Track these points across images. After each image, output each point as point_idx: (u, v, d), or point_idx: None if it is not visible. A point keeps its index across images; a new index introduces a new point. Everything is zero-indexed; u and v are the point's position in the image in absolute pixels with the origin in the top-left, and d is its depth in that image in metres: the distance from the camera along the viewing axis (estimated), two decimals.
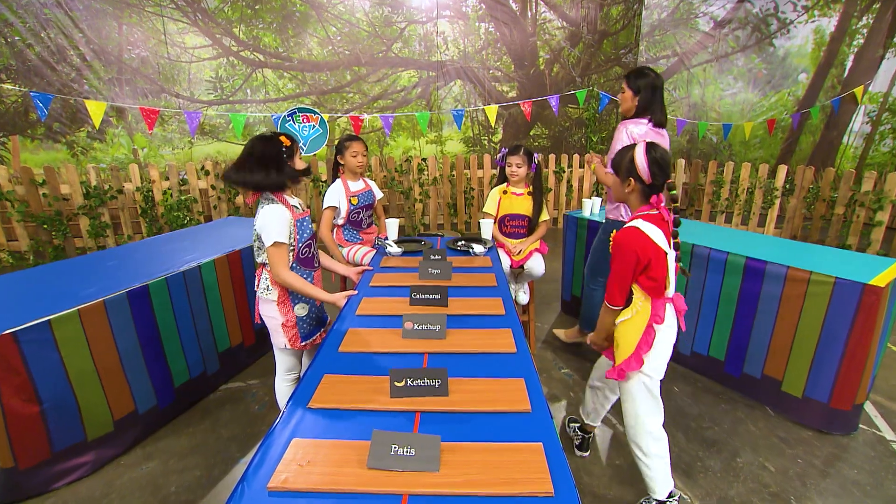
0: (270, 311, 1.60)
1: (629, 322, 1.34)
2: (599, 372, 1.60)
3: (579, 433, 1.74)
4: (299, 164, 1.56)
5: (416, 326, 1.34)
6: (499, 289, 1.69)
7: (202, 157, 5.25)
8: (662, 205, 1.31)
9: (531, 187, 2.41)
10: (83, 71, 4.72)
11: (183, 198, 4.36)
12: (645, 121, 1.94)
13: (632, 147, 1.33)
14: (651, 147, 1.30)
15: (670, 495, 1.38)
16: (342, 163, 2.36)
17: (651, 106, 1.93)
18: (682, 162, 4.95)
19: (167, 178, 4.40)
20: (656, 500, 1.38)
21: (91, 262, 2.01)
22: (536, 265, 2.35)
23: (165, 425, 1.92)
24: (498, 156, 2.45)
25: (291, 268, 1.58)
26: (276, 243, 1.49)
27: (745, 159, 6.01)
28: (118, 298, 1.69)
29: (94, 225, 4.13)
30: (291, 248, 1.55)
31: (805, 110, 5.62)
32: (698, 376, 2.29)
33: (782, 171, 4.47)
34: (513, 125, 6.13)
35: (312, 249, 1.66)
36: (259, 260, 1.59)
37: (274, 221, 1.49)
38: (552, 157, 5.22)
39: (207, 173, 4.43)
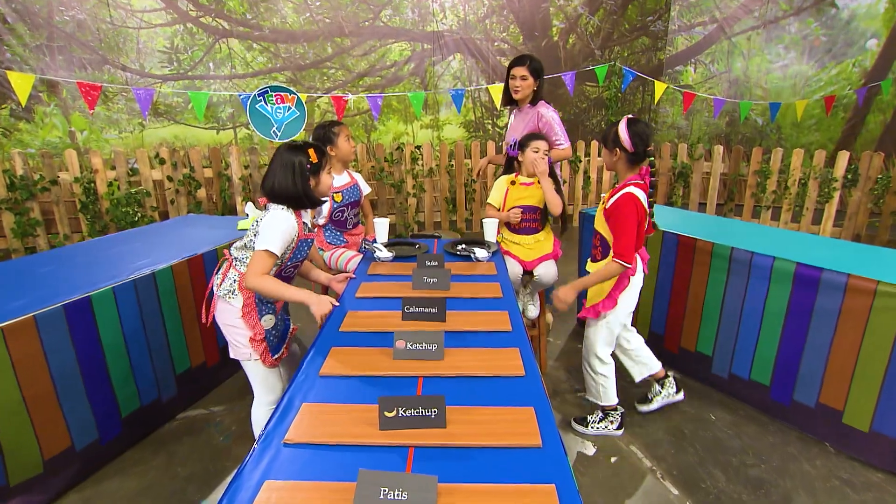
0: (230, 318, 1.63)
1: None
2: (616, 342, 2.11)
3: (655, 387, 2.24)
4: (326, 182, 1.66)
5: (409, 346, 1.34)
6: (505, 301, 1.70)
7: (156, 143, 5.25)
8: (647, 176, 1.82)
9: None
10: (3, 35, 4.65)
11: (133, 191, 4.35)
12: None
13: (617, 122, 1.85)
14: (632, 121, 1.82)
15: (614, 409, 2.04)
16: (332, 153, 2.39)
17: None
18: (719, 149, 4.96)
19: (113, 168, 4.39)
20: (601, 406, 2.04)
21: (18, 269, 1.99)
22: (546, 272, 2.37)
23: (109, 463, 1.91)
24: (511, 143, 2.47)
25: (326, 227, 2.07)
26: (267, 251, 1.54)
27: (796, 144, 5.96)
28: (52, 313, 1.67)
29: (20, 222, 4.09)
30: (278, 264, 1.62)
31: (874, 84, 5.46)
32: (739, 403, 2.30)
33: (843, 157, 4.43)
34: None
35: (295, 272, 1.77)
36: (235, 254, 1.64)
37: (278, 230, 1.56)
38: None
39: (163, 162, 4.42)
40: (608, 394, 2.04)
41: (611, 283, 1.89)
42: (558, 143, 2.53)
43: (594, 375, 2.02)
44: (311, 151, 1.60)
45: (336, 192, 2.39)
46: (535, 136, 2.36)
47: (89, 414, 1.81)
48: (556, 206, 2.31)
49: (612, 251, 1.85)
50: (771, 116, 5.37)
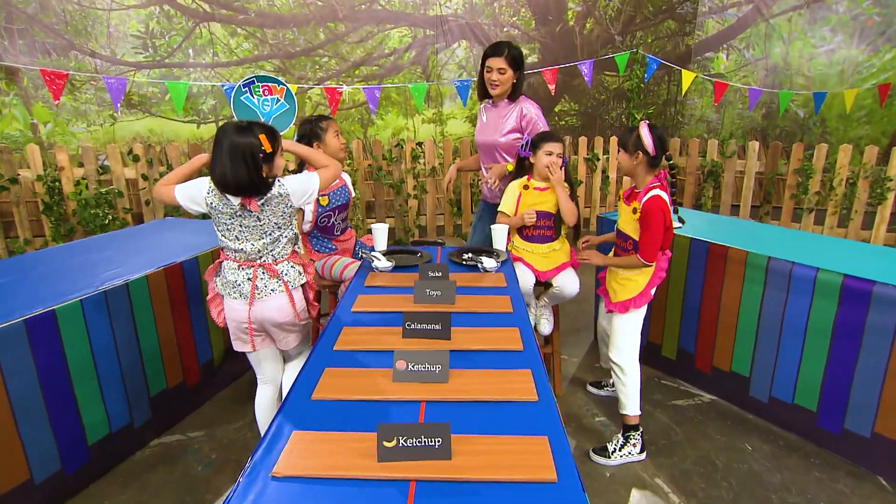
0: (299, 297, 1.86)
1: (640, 273, 2.07)
2: (606, 324, 2.36)
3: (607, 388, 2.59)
4: (279, 165, 1.75)
5: (410, 366, 1.34)
6: (515, 316, 1.70)
7: (129, 137, 5.29)
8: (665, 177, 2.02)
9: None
10: None
11: (103, 191, 4.38)
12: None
13: (636, 127, 2.01)
14: (653, 126, 2.00)
15: (636, 427, 2.12)
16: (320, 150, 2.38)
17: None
18: (754, 145, 4.95)
19: (80, 165, 4.42)
20: (627, 413, 2.12)
21: None
22: (569, 283, 2.37)
23: (73, 497, 1.90)
24: (521, 143, 2.48)
25: (311, 234, 2.36)
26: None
27: (843, 139, 5.81)
28: (11, 329, 1.67)
29: None
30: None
31: None
32: (780, 431, 2.28)
33: None
34: (533, 99, 6.15)
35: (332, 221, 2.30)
36: (287, 239, 1.82)
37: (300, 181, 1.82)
38: (583, 140, 5.27)
39: (137, 159, 4.46)
40: (631, 399, 2.10)
41: (645, 277, 2.06)
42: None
43: (624, 378, 2.10)
44: (262, 138, 1.64)
45: (322, 195, 2.38)
46: (548, 136, 2.37)
47: (51, 442, 1.81)
48: (571, 216, 2.35)
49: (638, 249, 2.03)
50: (815, 108, 5.31)
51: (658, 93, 6.48)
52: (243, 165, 1.62)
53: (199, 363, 2.43)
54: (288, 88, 4.29)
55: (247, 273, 1.78)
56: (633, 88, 5.98)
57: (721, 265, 2.39)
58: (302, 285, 1.87)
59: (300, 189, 1.79)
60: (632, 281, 2.08)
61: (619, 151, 2.10)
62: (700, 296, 2.50)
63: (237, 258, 1.78)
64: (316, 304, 1.98)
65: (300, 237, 2.43)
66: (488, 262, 2.12)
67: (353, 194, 2.54)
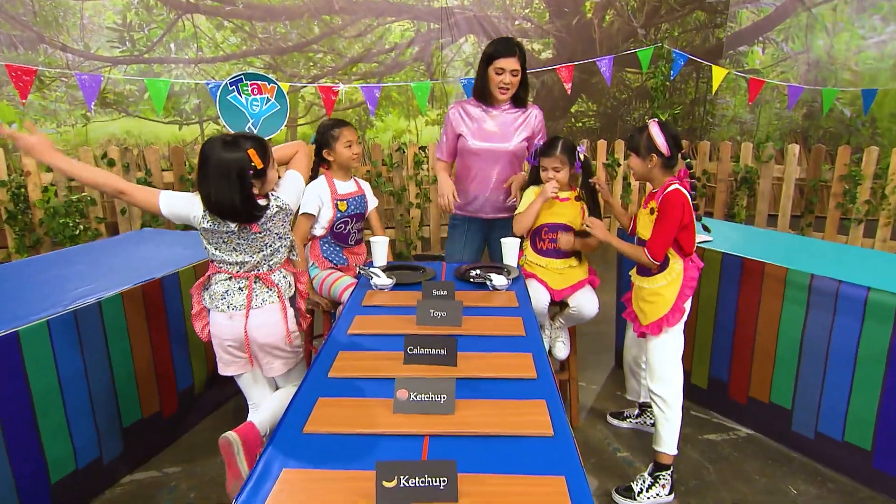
0: (292, 313, 1.90)
1: (667, 286, 2.05)
2: (636, 351, 2.39)
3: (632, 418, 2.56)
4: (272, 178, 1.79)
5: (412, 396, 1.34)
6: (528, 340, 1.69)
7: (103, 139, 5.36)
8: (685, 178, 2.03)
9: (579, 189, 2.46)
10: None
11: (74, 198, 4.42)
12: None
13: (644, 127, 2.04)
14: (663, 123, 2.02)
15: (667, 466, 2.09)
16: (329, 158, 2.47)
17: None
18: (794, 148, 4.94)
19: (49, 169, 4.47)
20: (663, 452, 2.08)
21: None
22: (587, 303, 2.37)
23: None
24: (530, 152, 2.50)
25: (323, 241, 2.46)
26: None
27: None
28: None
29: None
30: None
31: None
32: (829, 472, 2.25)
33: None
34: (547, 99, 6.24)
35: (348, 229, 2.49)
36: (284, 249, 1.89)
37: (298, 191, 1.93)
38: (602, 143, 5.30)
39: (112, 163, 4.51)
40: (671, 435, 2.06)
41: (673, 290, 2.05)
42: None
43: (666, 411, 2.07)
44: (252, 153, 1.67)
45: (341, 200, 2.45)
46: (545, 147, 2.38)
47: (9, 481, 1.79)
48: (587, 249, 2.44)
49: (647, 247, 2.02)
50: (864, 107, 5.29)
51: (685, 91, 6.52)
52: (232, 187, 1.65)
53: (179, 390, 2.43)
54: (279, 87, 4.34)
55: (240, 284, 1.81)
56: (658, 87, 6.01)
57: (757, 283, 2.38)
58: (292, 297, 1.90)
59: (295, 195, 1.87)
60: (658, 296, 2.06)
61: (629, 156, 2.11)
62: (734, 317, 2.49)
63: (231, 270, 1.81)
64: (308, 315, 2.00)
65: (300, 243, 2.46)
66: (498, 280, 2.11)
67: (373, 204, 2.61)
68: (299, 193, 1.91)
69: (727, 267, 2.49)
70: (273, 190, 1.82)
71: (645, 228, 2.08)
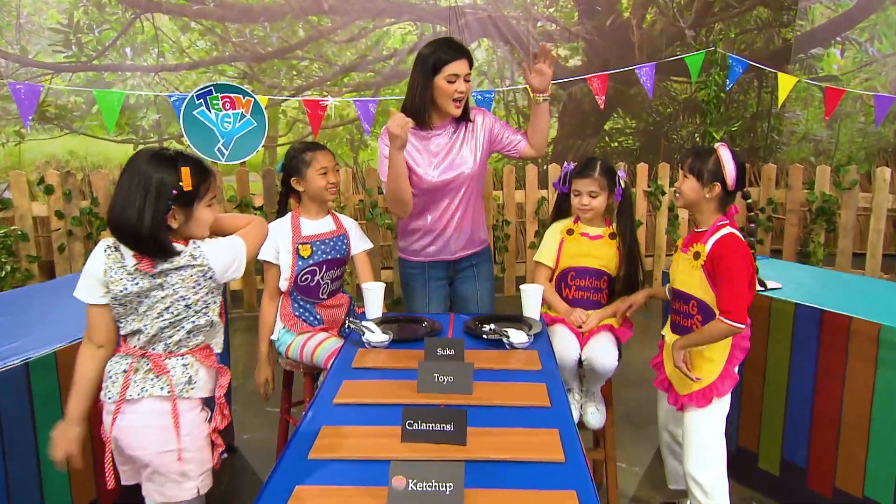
0: (192, 418, 1.73)
1: (713, 347, 2.03)
2: (675, 427, 2.34)
3: None
4: (203, 219, 1.70)
5: (411, 485, 1.31)
6: (554, 413, 1.66)
7: (40, 161, 5.45)
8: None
9: (614, 225, 2.46)
10: None
11: (1, 232, 4.46)
12: None
13: (712, 150, 2.07)
14: (732, 150, 2.05)
15: None
16: (299, 188, 2.46)
17: None
18: (884, 172, 4.93)
19: None
20: None
21: None
22: (601, 354, 2.31)
23: None
24: (559, 176, 2.51)
25: (293, 296, 2.44)
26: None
27: None
28: None
29: None
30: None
31: None
32: None
33: None
34: (576, 114, 6.33)
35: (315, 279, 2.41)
36: (193, 328, 1.73)
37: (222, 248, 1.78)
38: (642, 167, 5.33)
39: (50, 190, 4.58)
40: None
41: (721, 354, 2.03)
42: (518, 142, 2.62)
43: (704, 500, 2.03)
44: (185, 171, 1.61)
45: (303, 243, 2.42)
46: (582, 167, 2.41)
47: None
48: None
49: (717, 310, 1.99)
50: None
51: (745, 104, 6.58)
52: (145, 203, 1.58)
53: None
54: (256, 101, 4.42)
55: (124, 363, 1.69)
56: (711, 99, 6.05)
57: (841, 342, 2.34)
58: (205, 401, 1.77)
59: (225, 257, 1.74)
60: (705, 359, 2.05)
61: (684, 176, 2.11)
62: (812, 386, 2.44)
63: (126, 344, 1.72)
64: (221, 444, 1.81)
65: (269, 301, 2.47)
66: (517, 337, 2.10)
67: (362, 248, 2.59)
68: (231, 260, 1.75)
69: (802, 322, 2.46)
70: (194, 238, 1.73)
71: (689, 278, 2.08)
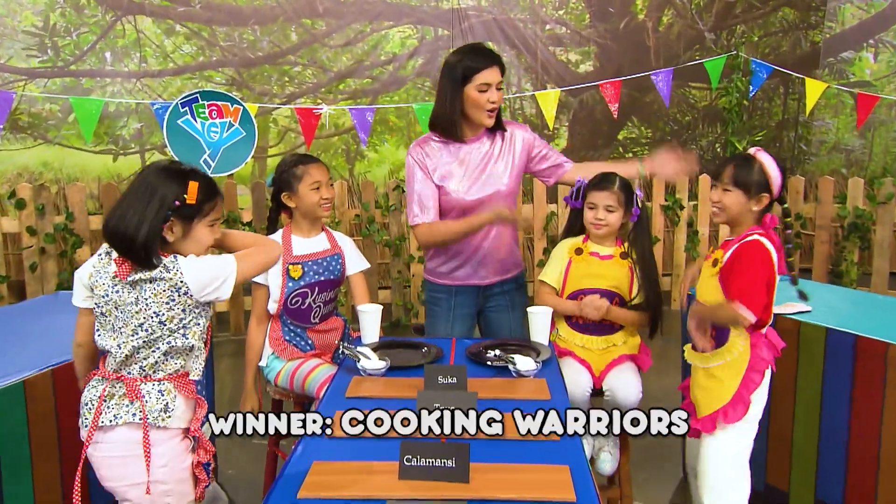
0: (170, 448, 1.74)
1: (725, 367, 2.03)
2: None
3: None
4: (201, 238, 1.75)
5: None
6: (565, 447, 1.66)
7: (11, 173, 5.47)
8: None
9: (627, 244, 2.46)
10: None
11: None
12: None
13: (751, 157, 2.06)
14: (770, 154, 2.07)
15: None
16: (290, 204, 2.47)
17: None
18: None
19: None
20: None
21: None
22: (623, 385, 2.32)
23: None
24: (571, 190, 2.51)
25: (283, 320, 2.44)
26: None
27: None
28: None
29: None
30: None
31: None
32: None
33: None
34: (587, 123, 6.35)
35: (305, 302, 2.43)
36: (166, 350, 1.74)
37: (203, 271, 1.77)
38: (658, 179, 5.31)
39: (21, 204, 4.59)
40: None
41: (733, 376, 2.02)
42: (560, 167, 2.65)
43: None
44: (192, 185, 1.68)
45: (294, 264, 2.42)
46: (599, 180, 2.40)
47: None
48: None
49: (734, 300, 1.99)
50: None
51: (770, 112, 6.60)
52: (143, 207, 1.64)
53: None
54: (245, 109, 4.44)
55: (98, 389, 1.72)
56: (733, 107, 6.10)
57: (878, 371, 2.32)
58: (183, 430, 1.77)
59: (203, 275, 1.72)
60: (714, 380, 2.06)
61: (724, 189, 2.08)
62: (847, 419, 2.42)
63: (105, 365, 1.76)
64: (205, 479, 1.82)
65: (256, 326, 2.47)
66: (524, 364, 2.09)
67: (358, 267, 2.59)
68: (211, 279, 1.74)
69: (834, 348, 2.44)
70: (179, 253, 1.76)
71: (705, 287, 2.10)
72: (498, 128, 2.55)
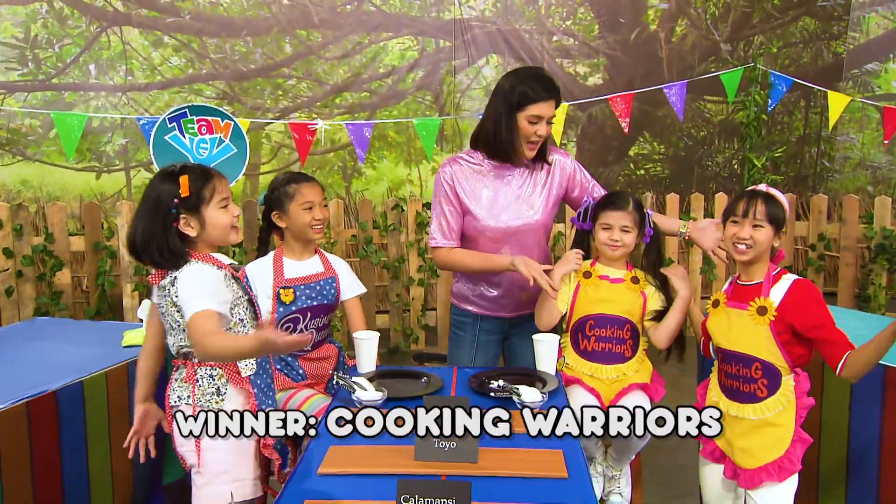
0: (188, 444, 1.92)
1: (783, 413, 2.06)
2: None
3: None
4: (217, 221, 1.91)
5: None
6: (572, 485, 1.66)
7: None
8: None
9: (637, 269, 2.49)
10: None
11: None
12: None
13: (767, 193, 2.11)
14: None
15: None
16: (281, 224, 2.49)
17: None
18: None
19: None
20: None
21: None
22: None
23: None
24: (578, 211, 2.53)
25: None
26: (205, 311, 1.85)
27: None
28: None
29: None
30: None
31: None
32: None
33: None
34: (597, 139, 6.38)
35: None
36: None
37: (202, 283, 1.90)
38: (672, 198, 5.33)
39: None
40: None
41: (791, 417, 2.06)
42: (595, 184, 2.72)
43: None
44: (182, 179, 1.84)
45: (285, 288, 2.43)
46: (610, 199, 2.45)
47: None
48: (664, 338, 2.41)
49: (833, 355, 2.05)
50: None
51: (790, 126, 6.62)
52: (153, 219, 1.83)
53: None
54: (236, 124, 4.46)
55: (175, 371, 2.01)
56: (750, 121, 6.09)
57: None
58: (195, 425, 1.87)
59: (184, 298, 1.84)
60: (774, 427, 2.05)
61: (755, 226, 2.08)
62: (877, 454, 2.41)
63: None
64: (277, 458, 2.08)
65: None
66: (529, 395, 2.08)
67: (354, 292, 2.61)
68: (196, 293, 1.83)
69: (863, 379, 2.41)
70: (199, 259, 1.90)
71: (750, 338, 2.07)
72: (541, 158, 2.57)
